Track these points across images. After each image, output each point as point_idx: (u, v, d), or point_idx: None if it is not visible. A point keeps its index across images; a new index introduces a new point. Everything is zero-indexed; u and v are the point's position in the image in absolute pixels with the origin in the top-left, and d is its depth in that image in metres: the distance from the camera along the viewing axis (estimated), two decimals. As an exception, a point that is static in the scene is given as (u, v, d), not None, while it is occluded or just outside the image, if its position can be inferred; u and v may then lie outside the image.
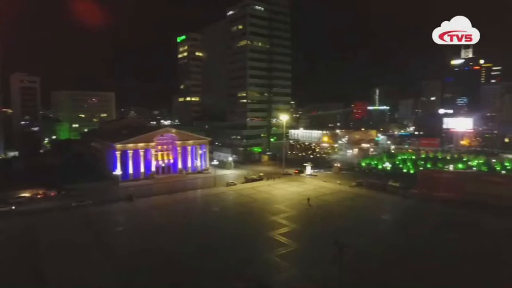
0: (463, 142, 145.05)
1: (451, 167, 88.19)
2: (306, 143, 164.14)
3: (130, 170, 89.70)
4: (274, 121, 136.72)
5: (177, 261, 40.74)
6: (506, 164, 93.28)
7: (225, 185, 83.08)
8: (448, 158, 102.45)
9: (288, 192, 76.42)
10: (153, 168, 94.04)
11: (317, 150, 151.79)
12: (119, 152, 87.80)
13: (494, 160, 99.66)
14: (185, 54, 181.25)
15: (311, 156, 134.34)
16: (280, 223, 54.62)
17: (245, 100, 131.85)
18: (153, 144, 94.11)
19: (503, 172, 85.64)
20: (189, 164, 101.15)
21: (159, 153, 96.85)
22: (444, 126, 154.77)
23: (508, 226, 52.20)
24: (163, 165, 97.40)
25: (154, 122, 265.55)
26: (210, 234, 50.11)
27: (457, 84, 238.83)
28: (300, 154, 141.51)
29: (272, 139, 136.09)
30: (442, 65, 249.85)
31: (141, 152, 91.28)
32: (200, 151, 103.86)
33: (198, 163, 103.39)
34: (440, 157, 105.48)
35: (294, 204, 65.88)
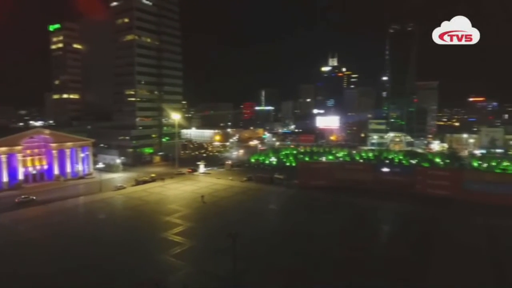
0: (332, 138, 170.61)
1: (323, 159, 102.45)
2: (199, 142, 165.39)
3: (-12, 180, 74.97)
4: (165, 120, 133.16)
5: (51, 284, 35.29)
6: (363, 154, 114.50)
7: (113, 190, 77.49)
8: (321, 151, 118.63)
9: (182, 191, 76.22)
10: (21, 176, 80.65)
11: (210, 148, 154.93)
12: (-29, 159, 72.33)
13: (354, 152, 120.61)
14: (60, 45, 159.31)
15: (204, 155, 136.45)
16: (175, 222, 54.43)
17: (133, 99, 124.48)
18: (19, 148, 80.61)
19: (361, 160, 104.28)
20: (68, 169, 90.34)
21: (28, 159, 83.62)
22: (317, 124, 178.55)
23: (370, 204, 64.36)
24: (34, 172, 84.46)
25: (22, 123, 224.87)
26: (95, 244, 45.85)
27: (326, 88, 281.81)
28: (193, 153, 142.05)
29: (164, 139, 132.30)
30: (314, 71, 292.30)
31: (3, 158, 77.25)
32: (81, 154, 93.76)
33: (79, 167, 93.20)
34: (315, 150, 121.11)
35: (188, 203, 66.31)
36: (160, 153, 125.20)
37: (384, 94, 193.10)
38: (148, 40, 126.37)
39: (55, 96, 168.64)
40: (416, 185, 71.56)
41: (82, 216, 61.95)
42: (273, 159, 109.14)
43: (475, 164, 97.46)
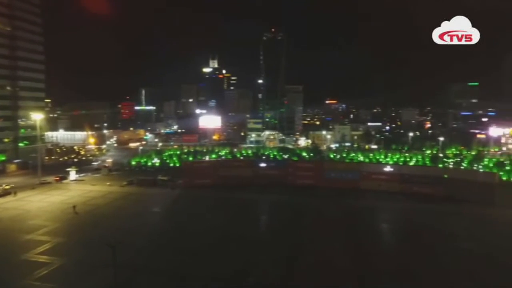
0: (214, 137, 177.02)
1: (207, 158, 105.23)
2: (69, 146, 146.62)
3: None
4: (23, 121, 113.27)
5: None
6: (243, 152, 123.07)
7: None
8: (205, 150, 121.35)
9: (47, 203, 66.65)
10: None
11: (83, 152, 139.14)
12: None
13: (235, 150, 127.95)
14: None
15: (76, 160, 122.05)
16: (39, 240, 47.36)
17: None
18: None
19: (242, 158, 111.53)
20: None
21: None
22: (200, 124, 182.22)
23: (251, 197, 69.68)
24: None
25: None
26: None
27: (208, 88, 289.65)
28: (61, 159, 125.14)
29: (21, 144, 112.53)
30: (196, 72, 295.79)
31: None
32: None
33: None
34: (198, 150, 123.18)
35: (56, 216, 58.61)
36: (17, 161, 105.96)
37: (260, 96, 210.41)
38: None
39: None
40: (289, 177, 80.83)
41: None
42: (156, 161, 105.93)
43: (332, 156, 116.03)
